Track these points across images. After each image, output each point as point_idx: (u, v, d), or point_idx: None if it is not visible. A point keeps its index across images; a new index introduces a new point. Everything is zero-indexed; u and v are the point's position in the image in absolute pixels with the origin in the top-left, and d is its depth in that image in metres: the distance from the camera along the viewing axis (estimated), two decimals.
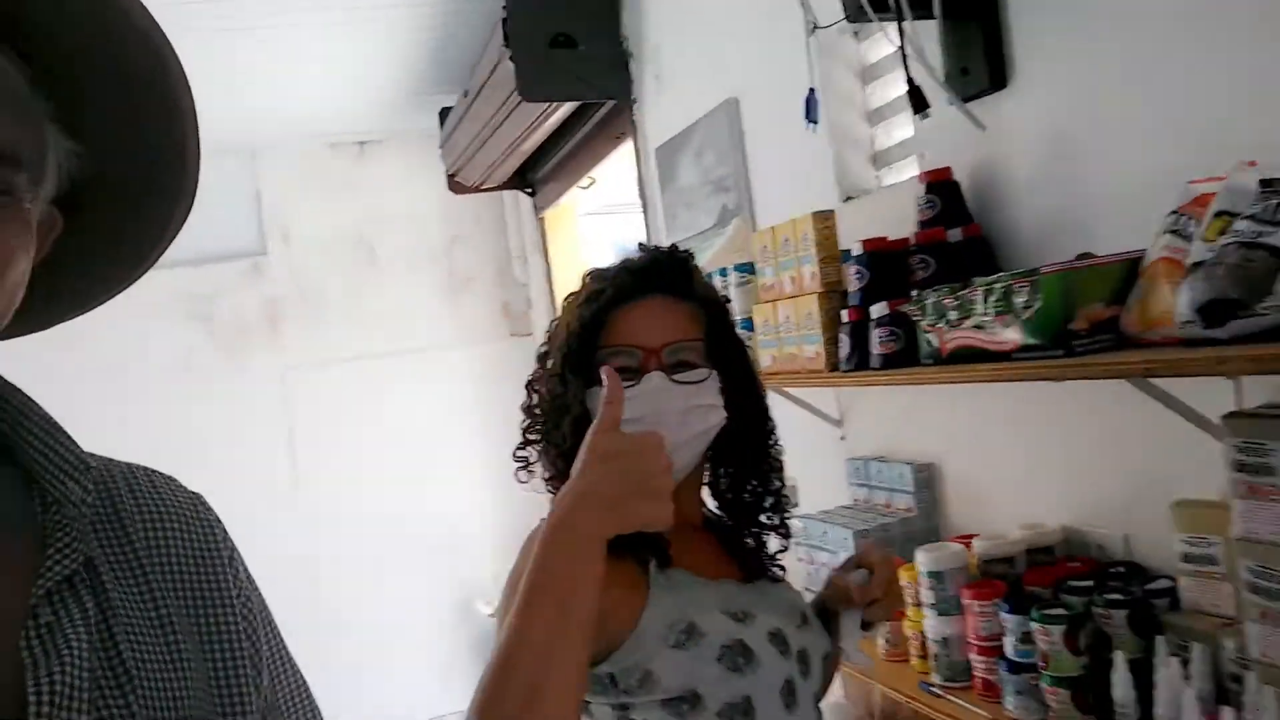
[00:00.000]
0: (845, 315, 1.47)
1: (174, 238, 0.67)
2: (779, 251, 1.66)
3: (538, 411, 1.15)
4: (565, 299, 1.16)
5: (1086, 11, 1.27)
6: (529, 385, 1.17)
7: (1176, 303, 0.98)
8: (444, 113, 3.66)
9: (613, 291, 1.09)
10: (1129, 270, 1.10)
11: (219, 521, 0.68)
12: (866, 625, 1.16)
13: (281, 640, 0.69)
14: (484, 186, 3.79)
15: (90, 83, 0.59)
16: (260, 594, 0.68)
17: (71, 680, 0.53)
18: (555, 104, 2.79)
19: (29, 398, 0.62)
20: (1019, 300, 1.14)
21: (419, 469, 4.06)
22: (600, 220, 4.05)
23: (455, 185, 3.82)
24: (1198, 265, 0.96)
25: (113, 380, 3.68)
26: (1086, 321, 1.10)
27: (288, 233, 4.07)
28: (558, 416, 1.10)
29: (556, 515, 0.87)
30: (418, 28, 3.03)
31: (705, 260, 2.22)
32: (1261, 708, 1.00)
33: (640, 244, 1.20)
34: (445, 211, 4.18)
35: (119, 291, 0.69)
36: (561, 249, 3.90)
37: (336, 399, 4.03)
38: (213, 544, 0.66)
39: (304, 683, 0.69)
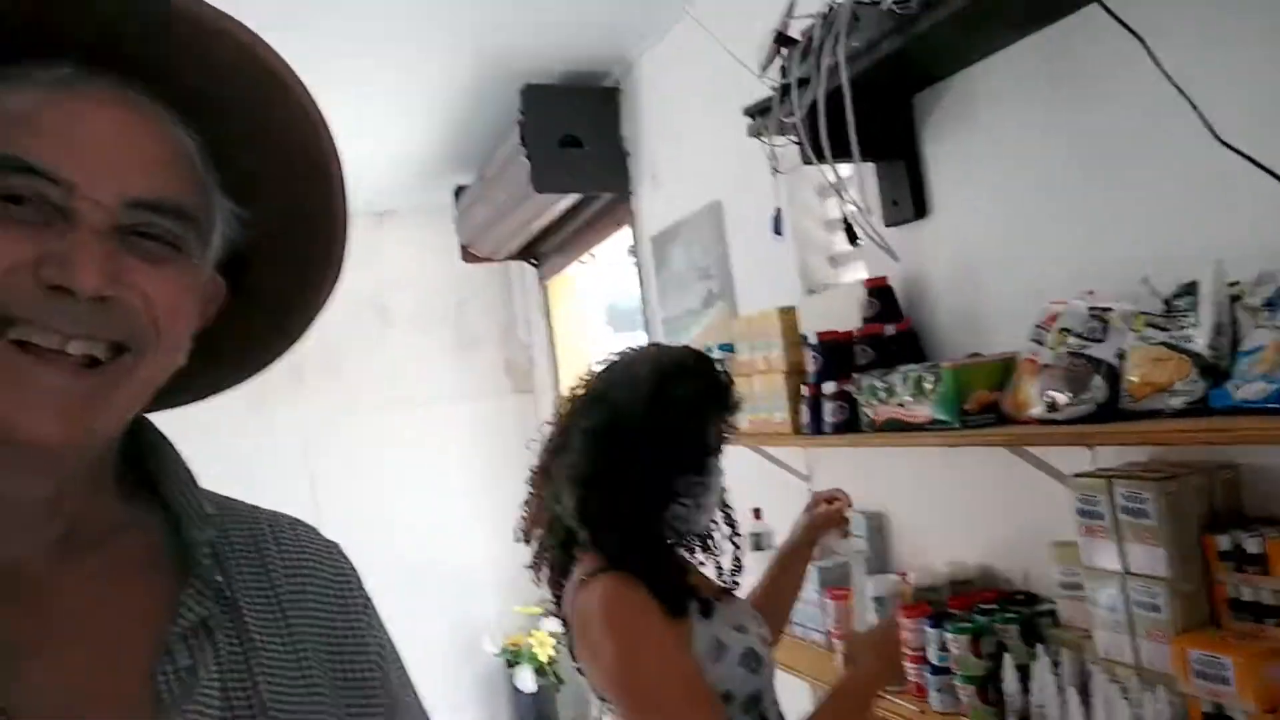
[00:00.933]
0: (805, 390, 1.85)
1: (327, 304, 0.70)
2: (754, 335, 2.04)
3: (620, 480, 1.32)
4: (680, 376, 1.35)
5: (987, 157, 1.66)
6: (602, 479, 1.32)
7: (1032, 393, 1.36)
8: (458, 189, 4.06)
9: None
10: (1006, 366, 1.48)
11: (355, 571, 0.71)
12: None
13: (414, 688, 0.72)
14: (494, 258, 4.17)
15: (254, 152, 0.63)
16: (393, 642, 0.72)
17: None
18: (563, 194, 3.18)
19: (173, 446, 0.67)
20: (927, 385, 1.51)
21: (427, 514, 4.39)
22: (595, 279, 4.43)
23: (468, 256, 4.21)
24: (1045, 367, 1.34)
25: None
26: (976, 403, 1.47)
27: None
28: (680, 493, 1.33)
29: (869, 686, 1.40)
30: (441, 112, 3.30)
31: (692, 337, 2.61)
32: (1107, 695, 1.36)
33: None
34: (455, 276, 4.56)
35: (273, 361, 0.73)
36: (563, 312, 4.28)
37: (352, 449, 4.37)
38: (349, 592, 0.69)
39: None
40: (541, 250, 4.13)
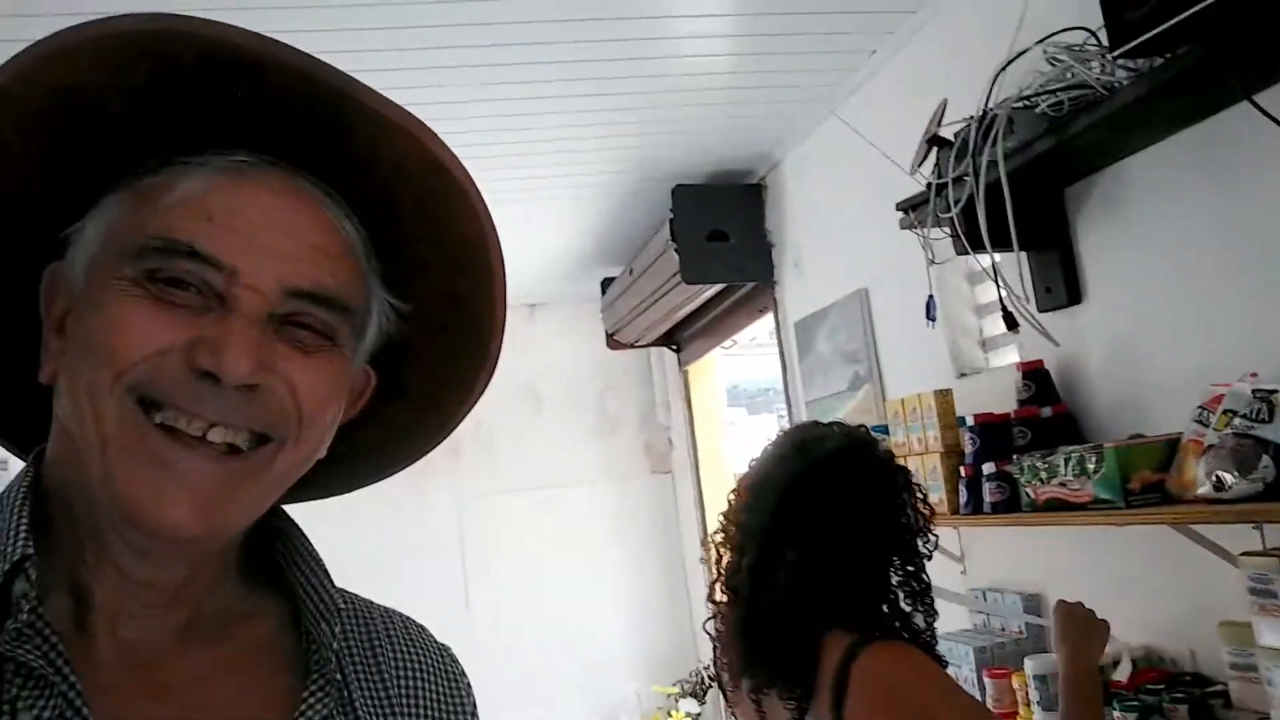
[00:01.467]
0: (962, 471, 1.92)
1: (478, 399, 0.69)
2: (908, 417, 2.13)
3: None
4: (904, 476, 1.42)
5: (1139, 245, 1.73)
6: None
7: (1198, 473, 1.41)
8: (605, 281, 4.31)
9: None
10: (1170, 447, 1.52)
11: (464, 675, 0.71)
12: None
13: None
14: (638, 344, 4.38)
15: (418, 245, 0.63)
16: None
17: None
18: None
19: (303, 534, 0.66)
20: (1090, 466, 1.57)
21: (570, 592, 4.53)
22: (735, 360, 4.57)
23: (613, 343, 4.44)
24: (1209, 447, 1.39)
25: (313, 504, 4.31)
26: (1140, 483, 1.52)
27: None
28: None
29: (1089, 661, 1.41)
30: (594, 211, 3.54)
31: (840, 418, 2.70)
32: None
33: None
34: (600, 363, 4.78)
35: (416, 458, 0.73)
36: (702, 396, 4.43)
37: (500, 526, 4.57)
38: (459, 696, 0.69)
39: None
40: (682, 336, 4.32)
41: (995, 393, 2.06)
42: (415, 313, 0.66)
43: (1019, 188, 1.65)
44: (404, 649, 0.68)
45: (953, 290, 2.32)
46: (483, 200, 0.61)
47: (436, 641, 0.72)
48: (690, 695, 4.35)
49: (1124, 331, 1.79)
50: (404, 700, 0.65)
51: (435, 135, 0.59)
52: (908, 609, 1.33)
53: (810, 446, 1.41)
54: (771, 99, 2.72)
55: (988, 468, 1.83)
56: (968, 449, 1.91)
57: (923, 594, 1.35)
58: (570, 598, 4.52)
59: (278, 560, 0.65)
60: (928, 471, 2.04)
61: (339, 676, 0.61)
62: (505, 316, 0.66)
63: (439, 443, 0.72)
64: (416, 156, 0.59)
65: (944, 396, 2.03)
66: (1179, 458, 1.50)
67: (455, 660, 0.71)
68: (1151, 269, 1.71)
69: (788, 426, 1.61)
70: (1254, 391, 1.39)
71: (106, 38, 0.54)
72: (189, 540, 0.55)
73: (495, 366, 0.68)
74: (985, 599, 2.22)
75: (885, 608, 1.31)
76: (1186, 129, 1.58)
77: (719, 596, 1.41)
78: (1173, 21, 1.26)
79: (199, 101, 0.57)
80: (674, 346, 4.46)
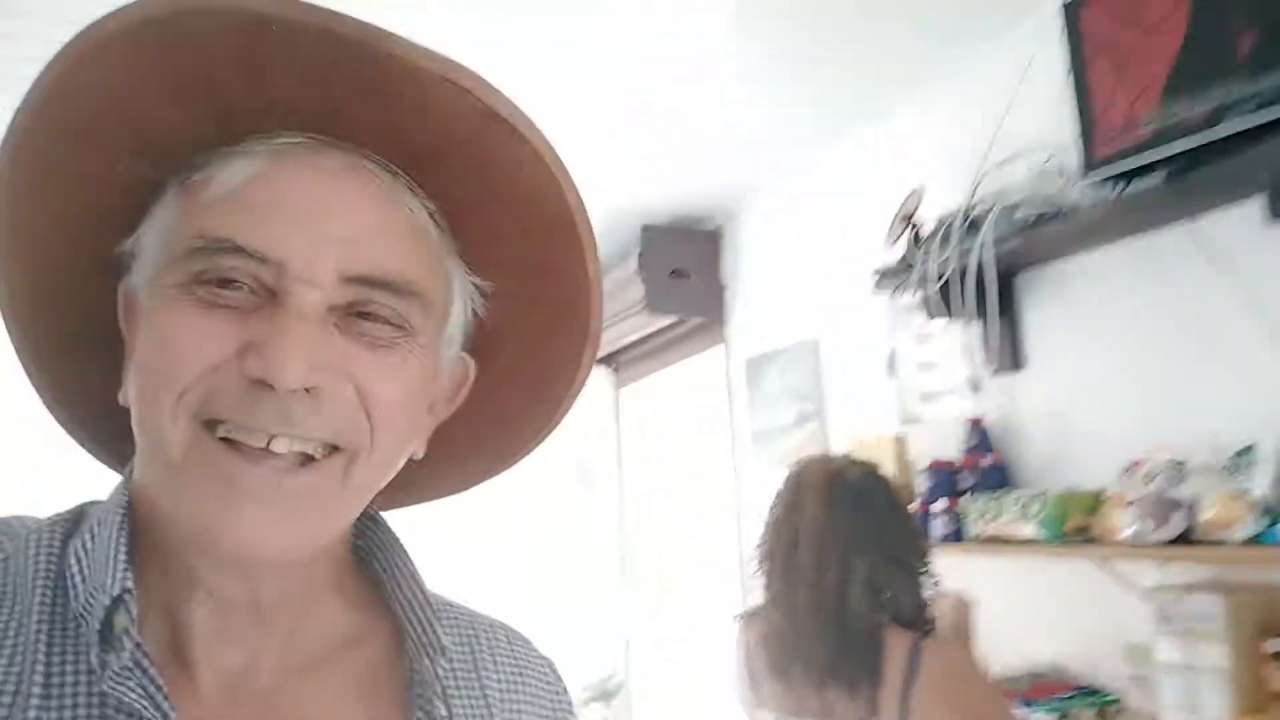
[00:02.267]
0: (916, 506, 2.24)
1: (583, 381, 0.63)
2: (864, 456, 2.44)
3: None
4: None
5: (1075, 327, 2.10)
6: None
7: (1123, 520, 1.76)
8: None
9: None
10: (1097, 498, 1.88)
11: (567, 691, 0.68)
12: None
13: None
14: None
15: (489, 211, 0.57)
16: None
17: None
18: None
19: (403, 549, 0.62)
20: (1033, 509, 1.91)
21: (488, 600, 4.69)
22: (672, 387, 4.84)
23: None
24: (1133, 501, 1.74)
25: None
26: (1072, 526, 1.87)
27: None
28: None
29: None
30: None
31: (786, 449, 3.01)
32: None
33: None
34: None
35: (529, 449, 0.67)
36: (635, 418, 4.69)
37: (421, 534, 4.69)
38: (562, 713, 0.66)
39: None
40: (620, 360, 4.57)
41: (932, 441, 2.40)
42: (502, 289, 0.60)
43: (984, 271, 1.99)
44: (508, 665, 0.65)
45: (902, 348, 2.66)
46: (550, 146, 0.54)
47: (539, 654, 0.69)
48: (596, 700, 4.57)
49: (1057, 397, 2.15)
50: (507, 713, 0.62)
51: (484, 82, 0.51)
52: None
53: (854, 478, 1.65)
54: (738, 155, 3.00)
55: (939, 505, 2.16)
56: (921, 488, 2.24)
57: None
58: (489, 606, 4.67)
59: (378, 575, 0.62)
60: None
61: (443, 713, 0.57)
62: (599, 279, 0.59)
63: (549, 431, 0.65)
64: (466, 109, 0.51)
65: (899, 440, 2.36)
66: (1106, 507, 1.85)
67: (559, 676, 0.68)
68: (1084, 347, 2.08)
69: (815, 459, 1.76)
70: (1169, 460, 1.75)
71: (127, 28, 0.48)
72: (266, 559, 0.51)
73: (598, 337, 0.61)
74: None
75: (923, 610, 1.59)
76: (1128, 239, 1.95)
77: (766, 610, 1.63)
78: (1136, 165, 1.61)
79: (230, 86, 0.51)
80: (613, 367, 4.70)
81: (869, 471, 1.68)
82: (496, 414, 0.65)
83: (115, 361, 0.56)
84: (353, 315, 0.52)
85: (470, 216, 0.57)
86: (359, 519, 0.60)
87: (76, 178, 0.54)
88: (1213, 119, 1.56)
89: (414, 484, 0.62)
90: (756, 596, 1.67)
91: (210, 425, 0.50)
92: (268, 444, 0.50)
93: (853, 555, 1.54)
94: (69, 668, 0.49)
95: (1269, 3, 1.53)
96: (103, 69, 0.49)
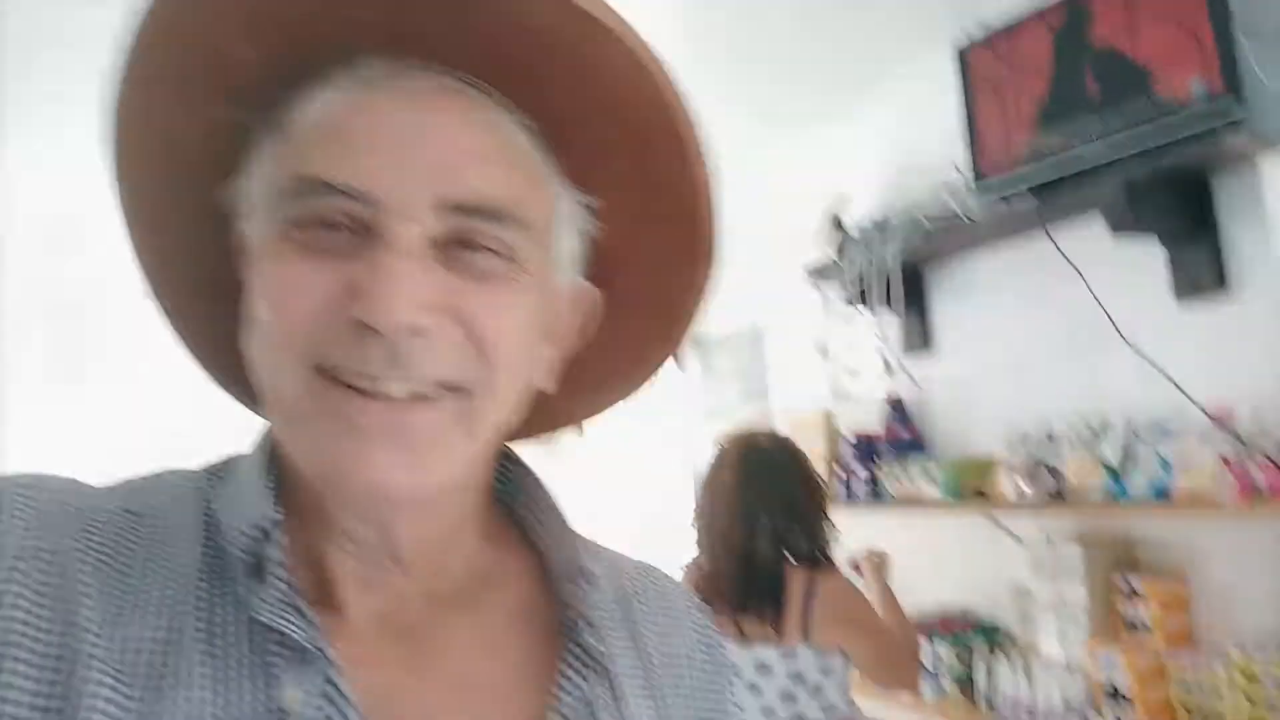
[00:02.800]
0: (841, 472, 2.57)
1: (703, 300, 0.61)
2: (798, 428, 2.77)
3: None
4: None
5: (975, 315, 2.43)
6: None
7: (1006, 484, 2.10)
8: None
9: None
10: (989, 464, 2.22)
11: (721, 640, 0.67)
12: None
13: None
14: None
15: (594, 124, 0.53)
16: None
17: None
18: None
19: (541, 483, 0.62)
20: (935, 474, 2.25)
21: None
22: None
23: None
24: (1015, 467, 2.08)
25: None
26: (968, 488, 2.21)
27: None
28: None
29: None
30: None
31: (734, 421, 3.34)
32: (1044, 681, 2.07)
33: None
34: None
35: (655, 371, 0.65)
36: None
37: None
38: (715, 653, 0.65)
39: None
40: None
41: (859, 416, 2.74)
42: (613, 207, 0.57)
43: (899, 269, 2.31)
44: (658, 606, 0.63)
45: (832, 335, 2.99)
46: (645, 45, 0.51)
47: (690, 597, 0.67)
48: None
49: (959, 377, 2.49)
50: (664, 670, 0.60)
51: None
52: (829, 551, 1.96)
53: (764, 449, 2.00)
54: None
55: (861, 471, 2.49)
56: (847, 456, 2.57)
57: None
58: None
59: (521, 517, 0.61)
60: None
61: (601, 649, 0.55)
62: (710, 186, 0.56)
63: (670, 352, 0.64)
64: (553, 12, 0.48)
65: (829, 416, 2.69)
66: (995, 471, 2.19)
67: (711, 623, 0.66)
68: (980, 335, 2.42)
69: (735, 435, 2.07)
70: (1047, 434, 2.10)
71: None
72: (394, 497, 0.50)
73: (714, 251, 0.58)
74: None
75: (820, 551, 1.93)
76: (1009, 245, 2.28)
77: (698, 559, 1.97)
78: (1012, 184, 1.93)
79: (303, 11, 0.49)
80: None
81: (778, 443, 2.01)
82: (624, 340, 0.62)
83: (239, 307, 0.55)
84: (455, 247, 0.49)
85: (571, 131, 0.54)
86: (500, 462, 0.60)
87: (176, 131, 0.53)
88: (1068, 148, 1.89)
89: (548, 413, 0.61)
90: (693, 548, 2.00)
91: (324, 371, 0.49)
92: (378, 388, 0.48)
93: (759, 512, 1.89)
94: (227, 608, 0.49)
95: (1109, 52, 1.85)
96: (178, 11, 0.49)
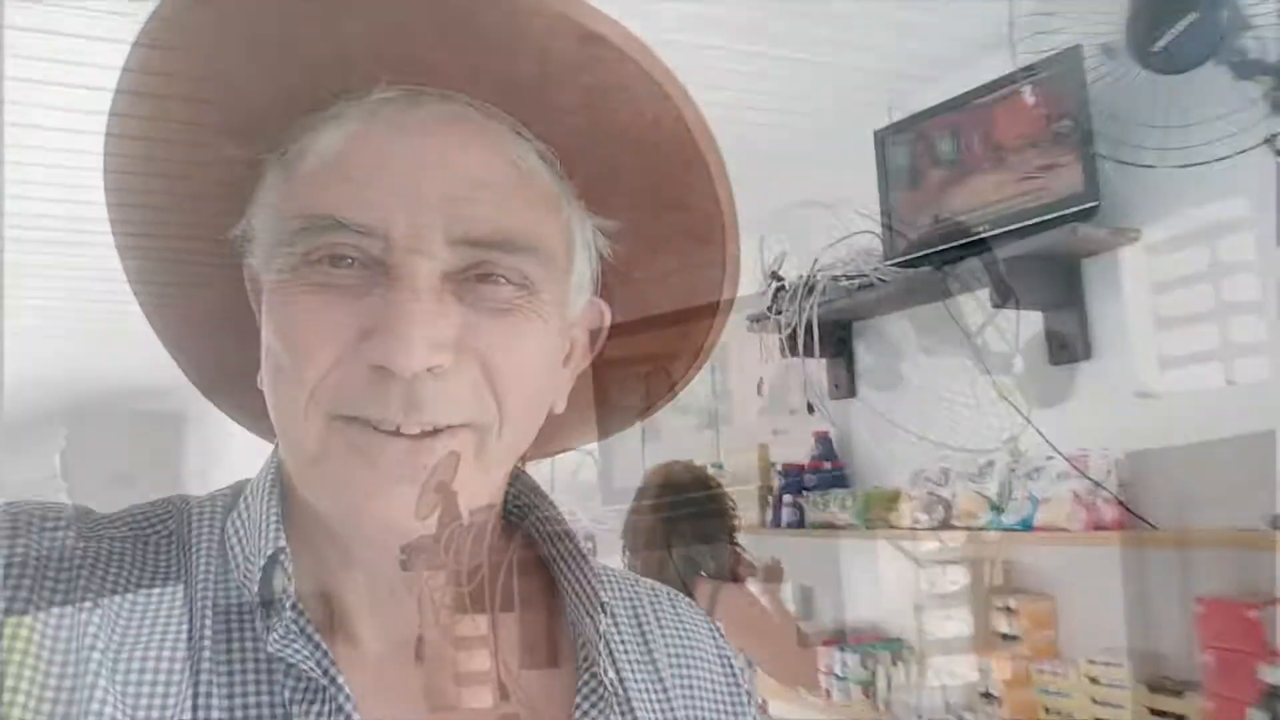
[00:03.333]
0: (771, 500, 2.89)
1: (721, 321, 0.61)
2: (738, 459, 3.09)
3: None
4: None
5: (889, 366, 2.76)
6: None
7: (906, 512, 2.42)
8: None
9: None
10: (896, 496, 2.54)
11: (736, 656, 0.67)
12: None
13: None
14: None
15: (604, 144, 0.52)
16: None
17: None
18: None
19: (554, 508, 0.62)
20: (848, 503, 2.57)
21: None
22: None
23: None
24: (914, 498, 2.41)
25: None
26: (876, 516, 2.53)
27: None
28: None
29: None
30: None
31: (690, 447, 3.66)
32: (933, 686, 2.38)
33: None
34: None
35: (676, 390, 0.65)
36: None
37: None
38: (732, 678, 0.65)
39: None
40: None
41: (792, 449, 3.06)
42: (629, 227, 0.57)
43: (826, 323, 2.65)
44: (674, 629, 0.64)
45: (769, 376, 3.32)
46: (660, 64, 0.49)
47: (704, 617, 0.68)
48: None
49: (877, 419, 2.82)
50: (677, 681, 0.61)
51: (580, 2, 0.46)
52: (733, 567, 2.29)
53: (680, 479, 2.35)
54: None
55: (788, 499, 2.81)
56: (776, 485, 2.89)
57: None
58: None
59: (530, 537, 0.61)
60: (747, 499, 3.01)
61: (612, 675, 0.56)
62: (731, 204, 0.55)
63: (695, 370, 0.64)
64: (563, 33, 0.46)
65: (763, 448, 3.01)
66: (898, 503, 2.52)
67: (726, 641, 0.67)
68: (894, 385, 2.75)
69: (660, 465, 2.47)
70: (940, 469, 2.43)
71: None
72: (412, 535, 0.49)
73: (736, 269, 0.58)
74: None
75: (727, 570, 2.26)
76: (916, 309, 2.63)
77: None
78: (916, 257, 2.28)
79: (305, 35, 0.47)
80: None
81: (694, 474, 2.35)
82: (639, 358, 0.63)
83: (250, 340, 0.54)
84: (471, 279, 0.49)
85: (585, 153, 0.53)
86: (511, 483, 0.60)
87: (178, 165, 0.52)
88: (963, 230, 2.23)
89: (560, 433, 0.61)
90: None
91: (342, 418, 0.48)
92: (397, 429, 0.48)
93: (672, 536, 2.23)
94: (235, 635, 0.50)
95: (1000, 149, 2.20)
96: (180, 37, 0.47)
